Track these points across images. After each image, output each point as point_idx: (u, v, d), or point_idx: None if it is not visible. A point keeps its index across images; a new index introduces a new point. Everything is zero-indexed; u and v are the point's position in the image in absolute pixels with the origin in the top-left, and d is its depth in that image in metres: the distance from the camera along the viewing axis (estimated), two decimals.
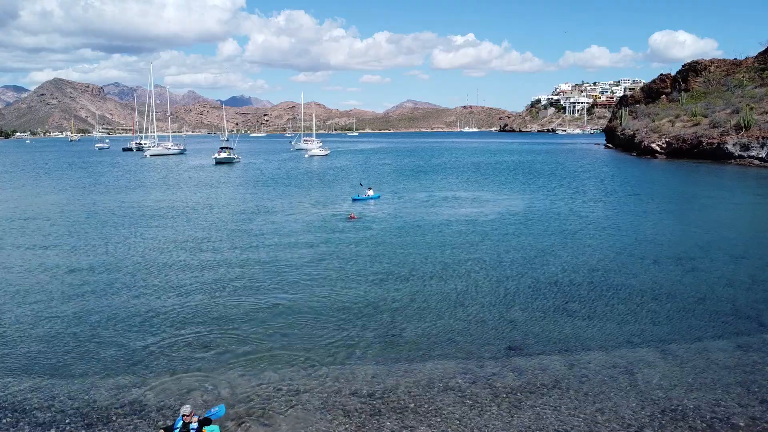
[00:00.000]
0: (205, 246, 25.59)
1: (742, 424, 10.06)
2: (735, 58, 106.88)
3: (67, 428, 10.19)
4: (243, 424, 10.20)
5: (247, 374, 12.20)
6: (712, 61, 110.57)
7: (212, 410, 10.06)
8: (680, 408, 10.65)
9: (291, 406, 10.83)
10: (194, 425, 9.24)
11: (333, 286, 18.71)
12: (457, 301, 17.10)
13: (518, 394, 11.28)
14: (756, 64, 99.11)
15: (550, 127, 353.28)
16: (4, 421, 10.48)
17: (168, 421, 10.15)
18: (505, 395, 11.22)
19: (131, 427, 10.21)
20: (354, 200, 39.56)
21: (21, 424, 10.37)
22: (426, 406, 10.83)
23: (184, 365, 12.71)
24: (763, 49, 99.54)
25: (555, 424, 10.11)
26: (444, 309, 16.34)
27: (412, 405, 10.87)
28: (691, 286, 18.38)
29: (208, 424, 9.44)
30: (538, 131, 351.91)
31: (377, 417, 10.44)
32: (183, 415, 9.26)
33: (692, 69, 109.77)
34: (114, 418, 10.48)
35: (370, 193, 40.83)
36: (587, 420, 10.26)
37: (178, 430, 9.20)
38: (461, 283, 19.03)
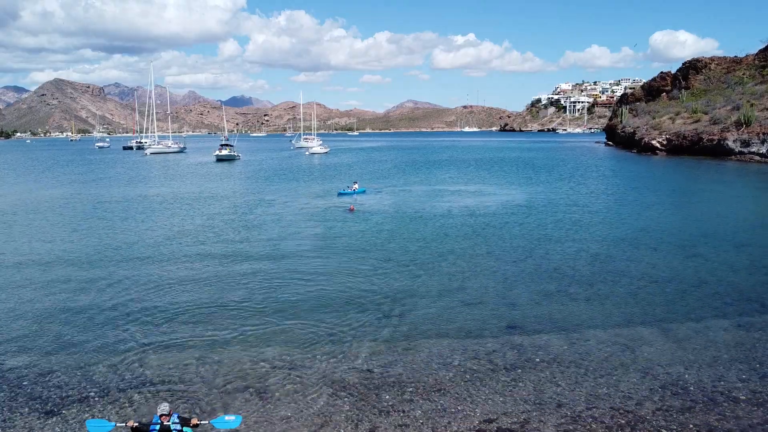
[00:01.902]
0: (209, 233, 25.74)
1: (743, 398, 9.99)
2: (735, 56, 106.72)
3: (63, 402, 10.12)
4: (240, 398, 10.14)
5: (246, 351, 12.14)
6: (712, 59, 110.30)
7: (223, 418, 8.76)
8: (681, 382, 10.58)
9: (289, 381, 10.77)
10: (176, 423, 8.22)
11: (333, 270, 18.68)
12: (457, 284, 17.04)
13: (518, 369, 11.21)
14: (756, 62, 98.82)
15: (550, 127, 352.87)
16: (1, 395, 10.42)
17: (143, 418, 9.24)
18: (504, 371, 11.15)
19: (128, 400, 10.14)
20: (340, 194, 39.28)
21: (18, 398, 10.31)
22: (425, 381, 10.76)
23: (184, 342, 12.66)
24: (764, 46, 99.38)
25: (555, 397, 10.04)
26: (443, 292, 16.28)
27: (411, 380, 10.80)
28: (692, 271, 18.30)
29: (189, 425, 8.33)
30: (539, 130, 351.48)
31: (376, 391, 10.37)
32: (161, 415, 8.21)
33: (693, 67, 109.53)
34: (112, 392, 10.42)
35: (356, 187, 40.63)
36: (587, 393, 10.19)
37: (156, 430, 8.13)
38: (461, 268, 18.97)
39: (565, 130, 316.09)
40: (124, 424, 8.51)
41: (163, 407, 8.33)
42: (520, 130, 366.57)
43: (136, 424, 8.41)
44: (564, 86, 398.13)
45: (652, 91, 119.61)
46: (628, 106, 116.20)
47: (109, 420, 9.02)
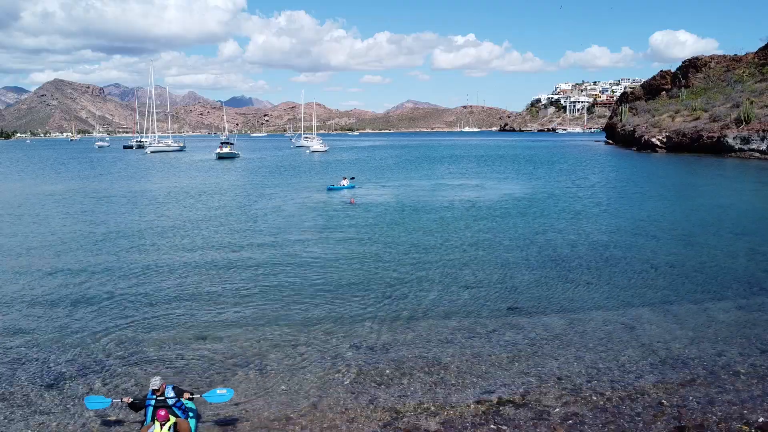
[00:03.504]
0: (212, 222, 26.10)
1: (743, 371, 9.99)
2: (735, 54, 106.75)
3: (62, 377, 10.11)
4: (240, 373, 10.14)
5: (245, 330, 12.15)
6: (712, 57, 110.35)
7: (215, 391, 8.53)
8: (681, 357, 10.58)
9: (288, 358, 10.77)
10: (171, 398, 8.03)
11: (334, 256, 18.74)
12: (458, 269, 17.04)
13: (518, 346, 11.21)
14: (756, 60, 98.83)
15: (550, 126, 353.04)
16: (2, 369, 10.42)
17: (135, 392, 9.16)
18: (504, 347, 11.15)
19: (128, 375, 10.14)
20: (329, 189, 39.14)
21: (17, 373, 10.30)
22: (425, 357, 10.76)
23: (184, 321, 12.68)
24: (764, 44, 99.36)
25: (555, 372, 10.04)
26: (444, 276, 16.28)
27: (410, 356, 10.79)
28: (692, 257, 18.30)
29: (183, 397, 8.16)
30: (539, 130, 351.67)
31: (375, 366, 10.36)
32: (152, 390, 8.03)
33: (692, 65, 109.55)
34: (111, 368, 10.42)
35: (345, 183, 40.56)
36: (587, 368, 10.19)
37: (152, 407, 7.96)
38: (462, 254, 18.98)
39: (565, 129, 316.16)
40: (120, 400, 8.48)
41: (154, 382, 8.17)
42: (520, 130, 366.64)
43: (132, 399, 8.36)
44: (564, 86, 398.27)
45: (652, 89, 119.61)
46: (628, 105, 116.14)
47: (106, 396, 9.00)
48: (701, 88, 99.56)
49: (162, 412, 7.69)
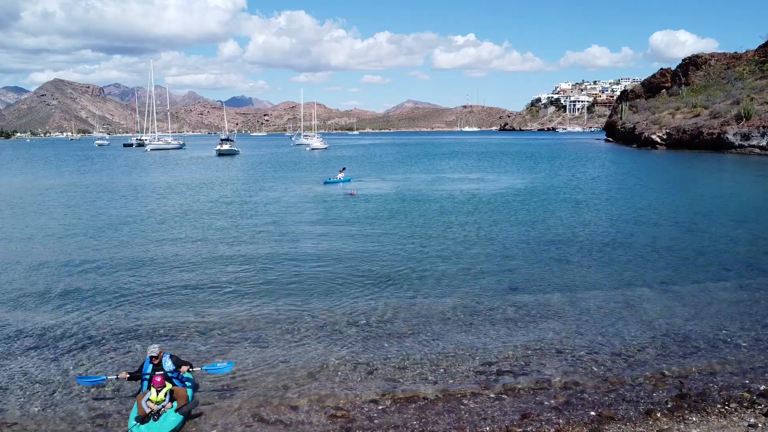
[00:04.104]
0: (215, 211, 26.39)
1: (744, 344, 9.92)
2: (735, 52, 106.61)
3: (59, 350, 10.04)
4: (239, 347, 10.06)
5: (243, 307, 12.10)
6: (712, 55, 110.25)
7: (215, 364, 8.52)
8: (682, 332, 10.51)
9: (288, 332, 10.70)
10: (169, 365, 7.94)
11: (335, 242, 18.71)
12: (459, 252, 16.99)
13: (518, 322, 11.14)
14: (756, 57, 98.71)
15: (550, 126, 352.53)
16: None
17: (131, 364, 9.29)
18: (504, 323, 11.09)
19: (123, 349, 10.07)
20: (326, 183, 38.99)
21: (14, 347, 10.23)
22: (425, 332, 10.69)
23: (181, 300, 12.63)
24: (764, 42, 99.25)
25: (555, 345, 9.97)
26: (444, 259, 16.21)
27: (410, 332, 10.73)
28: (692, 242, 18.23)
29: (181, 370, 8.04)
30: (539, 129, 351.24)
31: (374, 341, 10.30)
32: (150, 357, 7.92)
33: (692, 63, 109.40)
34: (109, 343, 10.35)
35: (341, 176, 40.45)
36: (588, 341, 10.13)
37: (149, 375, 7.85)
38: (462, 240, 18.93)
39: (565, 129, 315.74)
40: (115, 377, 8.30)
41: (152, 349, 8.06)
42: (520, 130, 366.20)
43: (129, 374, 8.22)
44: (564, 86, 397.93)
45: (652, 87, 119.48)
46: (628, 103, 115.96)
47: (98, 374, 8.86)
48: (701, 86, 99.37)
49: (158, 378, 7.61)
